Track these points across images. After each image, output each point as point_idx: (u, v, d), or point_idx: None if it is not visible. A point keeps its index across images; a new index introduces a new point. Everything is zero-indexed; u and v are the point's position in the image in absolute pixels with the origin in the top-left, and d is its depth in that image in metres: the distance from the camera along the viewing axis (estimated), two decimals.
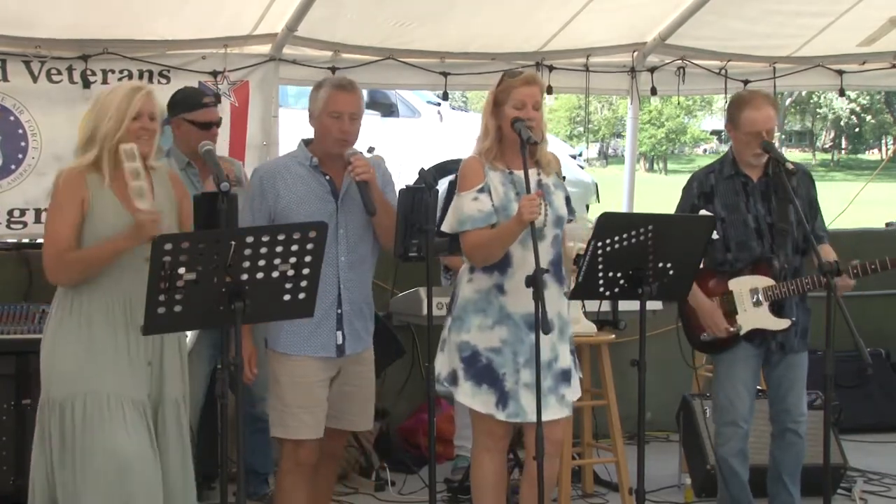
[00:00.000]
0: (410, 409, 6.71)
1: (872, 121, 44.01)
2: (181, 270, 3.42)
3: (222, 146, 6.05)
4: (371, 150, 4.51)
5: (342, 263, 4.43)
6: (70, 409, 3.83)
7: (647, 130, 38.51)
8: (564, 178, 4.58)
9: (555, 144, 10.08)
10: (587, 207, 10.23)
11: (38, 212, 6.03)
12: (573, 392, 4.47)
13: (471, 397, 4.35)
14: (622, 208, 7.59)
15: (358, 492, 5.99)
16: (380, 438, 6.28)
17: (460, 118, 13.22)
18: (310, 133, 4.55)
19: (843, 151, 47.61)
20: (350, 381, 4.52)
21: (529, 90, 4.33)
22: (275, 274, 3.56)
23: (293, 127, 7.47)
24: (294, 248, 3.55)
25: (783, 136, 42.90)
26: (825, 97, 41.71)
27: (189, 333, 4.29)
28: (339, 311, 4.42)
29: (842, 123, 45.43)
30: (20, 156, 6.06)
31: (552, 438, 4.29)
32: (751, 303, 4.94)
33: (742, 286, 4.95)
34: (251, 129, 6.47)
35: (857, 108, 42.46)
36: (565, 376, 4.42)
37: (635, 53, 7.27)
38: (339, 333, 4.43)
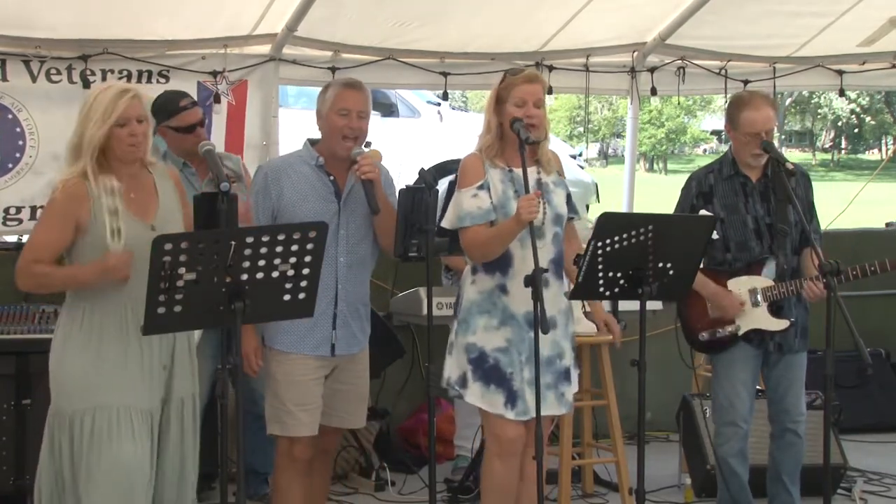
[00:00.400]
0: (410, 409, 6.72)
1: (872, 122, 44.00)
2: (181, 270, 3.42)
3: (219, 145, 6.05)
4: (368, 144, 4.51)
5: (341, 264, 4.44)
6: (79, 424, 3.81)
7: (647, 130, 38.49)
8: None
9: (555, 144, 10.07)
10: (587, 207, 10.23)
11: (33, 209, 6.04)
12: (573, 390, 4.48)
13: (480, 398, 4.35)
14: (622, 208, 7.58)
15: (358, 492, 5.99)
16: (380, 438, 6.28)
17: (460, 118, 13.23)
18: (309, 131, 4.55)
19: (842, 151, 47.60)
20: (344, 380, 4.54)
21: (531, 88, 4.33)
22: (275, 274, 3.57)
23: (293, 127, 7.48)
24: (294, 248, 3.56)
25: (783, 137, 42.89)
26: (825, 97, 41.71)
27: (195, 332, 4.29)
28: (336, 310, 4.44)
29: (840, 124, 45.43)
30: (17, 154, 6.06)
31: (528, 438, 4.32)
32: (749, 303, 4.94)
33: (741, 286, 4.95)
34: (250, 128, 6.47)
35: (857, 109, 42.44)
36: (567, 374, 4.43)
37: (635, 53, 7.26)
38: (335, 333, 4.45)
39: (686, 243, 4.32)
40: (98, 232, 3.81)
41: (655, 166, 43.31)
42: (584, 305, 5.06)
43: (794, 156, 36.97)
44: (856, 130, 45.93)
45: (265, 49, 6.47)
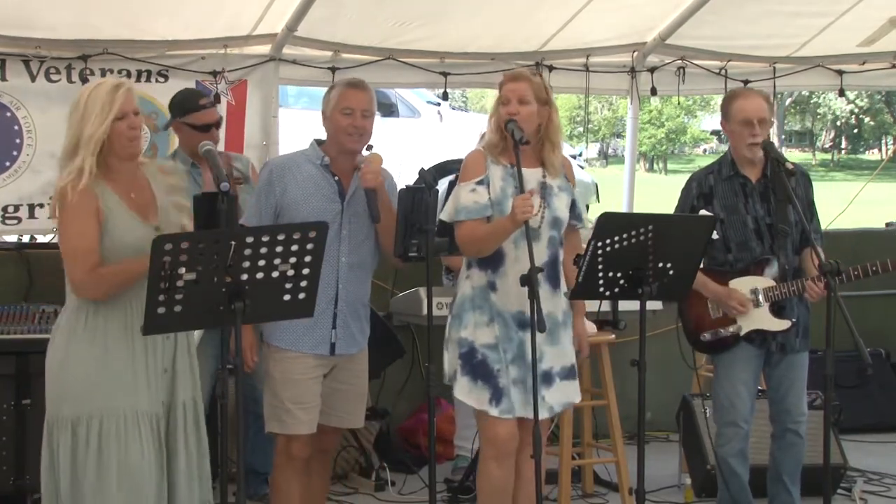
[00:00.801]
0: (410, 409, 6.72)
1: (871, 122, 43.98)
2: (181, 270, 3.41)
3: (219, 145, 6.05)
4: (369, 147, 4.52)
5: (342, 264, 4.45)
6: (85, 428, 3.74)
7: (647, 130, 38.45)
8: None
9: None
10: (587, 207, 10.23)
11: (31, 207, 6.05)
12: (556, 394, 4.42)
13: (467, 393, 4.37)
14: (622, 208, 7.59)
15: (358, 492, 5.99)
16: (380, 438, 6.28)
17: (460, 118, 13.24)
18: (309, 131, 4.56)
19: (842, 151, 47.57)
20: (343, 379, 4.54)
21: (513, 86, 4.39)
22: (275, 274, 3.56)
23: (293, 127, 7.48)
24: (294, 248, 3.55)
25: (783, 137, 42.84)
26: (824, 98, 41.69)
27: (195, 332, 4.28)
28: (336, 310, 4.45)
29: (838, 124, 45.40)
30: (15, 153, 6.06)
31: (524, 437, 4.33)
32: (751, 303, 4.94)
33: (742, 287, 4.95)
34: (250, 128, 6.47)
35: (856, 110, 42.41)
36: (546, 378, 4.38)
37: (635, 53, 7.27)
38: (334, 332, 4.45)
39: (686, 243, 4.32)
40: (113, 231, 3.76)
41: (655, 166, 43.28)
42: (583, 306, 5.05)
43: (794, 156, 36.92)
44: (855, 131, 45.91)
45: (265, 49, 6.47)
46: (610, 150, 43.54)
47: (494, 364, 4.33)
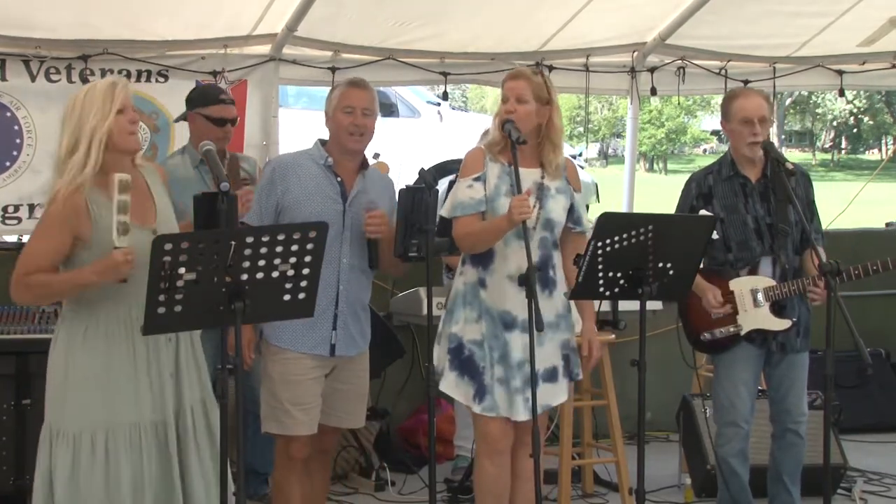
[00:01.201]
0: (410, 409, 6.72)
1: (871, 122, 43.98)
2: (181, 270, 3.40)
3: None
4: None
5: (343, 265, 4.45)
6: (89, 443, 3.70)
7: (647, 130, 38.48)
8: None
9: None
10: (587, 207, 10.23)
11: (31, 207, 6.04)
12: (544, 395, 4.38)
13: (454, 387, 4.39)
14: (622, 208, 7.59)
15: (358, 492, 5.99)
16: (380, 438, 6.28)
17: (460, 118, 13.24)
18: (309, 131, 4.56)
19: (842, 151, 47.58)
20: (344, 380, 4.54)
21: (512, 84, 4.42)
22: (275, 274, 3.56)
23: (293, 127, 7.47)
24: (294, 248, 3.55)
25: (783, 137, 42.85)
26: (824, 98, 41.69)
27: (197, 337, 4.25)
28: (336, 310, 4.45)
29: (836, 124, 45.41)
30: (15, 153, 6.06)
31: (522, 437, 4.34)
32: (751, 303, 4.94)
33: (742, 286, 4.95)
34: (250, 128, 6.47)
35: (855, 110, 42.41)
36: (528, 379, 4.33)
37: (635, 53, 7.27)
38: (334, 333, 4.45)
39: (686, 243, 4.31)
40: (102, 241, 3.69)
41: (655, 166, 43.30)
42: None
43: (794, 156, 36.94)
44: (854, 131, 45.92)
45: (265, 49, 6.47)
46: (610, 150, 43.57)
47: (480, 361, 4.35)
